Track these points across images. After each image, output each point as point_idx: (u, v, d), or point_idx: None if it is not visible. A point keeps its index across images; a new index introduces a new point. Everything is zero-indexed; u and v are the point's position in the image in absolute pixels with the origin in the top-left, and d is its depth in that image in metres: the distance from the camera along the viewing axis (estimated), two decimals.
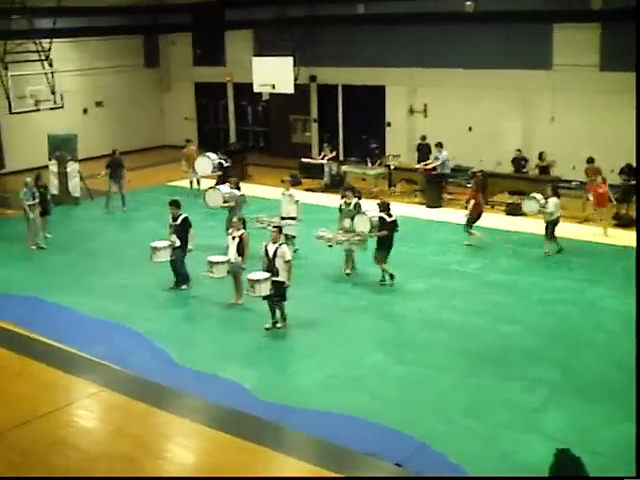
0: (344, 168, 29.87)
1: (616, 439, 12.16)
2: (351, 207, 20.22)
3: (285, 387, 14.33)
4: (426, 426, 12.72)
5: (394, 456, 11.84)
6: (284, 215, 21.24)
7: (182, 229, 18.78)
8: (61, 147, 28.33)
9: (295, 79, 31.51)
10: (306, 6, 32.12)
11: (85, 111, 37.01)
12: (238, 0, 33.54)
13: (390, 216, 19.08)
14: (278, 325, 16.72)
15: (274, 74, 31.54)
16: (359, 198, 20.64)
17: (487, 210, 25.62)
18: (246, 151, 34.39)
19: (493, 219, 24.78)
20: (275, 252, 16.33)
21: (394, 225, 19.16)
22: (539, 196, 21.96)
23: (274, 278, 16.26)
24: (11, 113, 29.99)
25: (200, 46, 39.11)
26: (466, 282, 19.43)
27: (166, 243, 18.81)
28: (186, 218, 18.92)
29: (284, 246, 16.58)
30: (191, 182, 29.19)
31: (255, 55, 33.86)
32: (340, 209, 20.64)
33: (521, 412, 13.14)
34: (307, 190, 29.18)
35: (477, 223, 22.66)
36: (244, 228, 18.07)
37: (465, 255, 21.53)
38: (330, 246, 19.93)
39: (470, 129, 30.65)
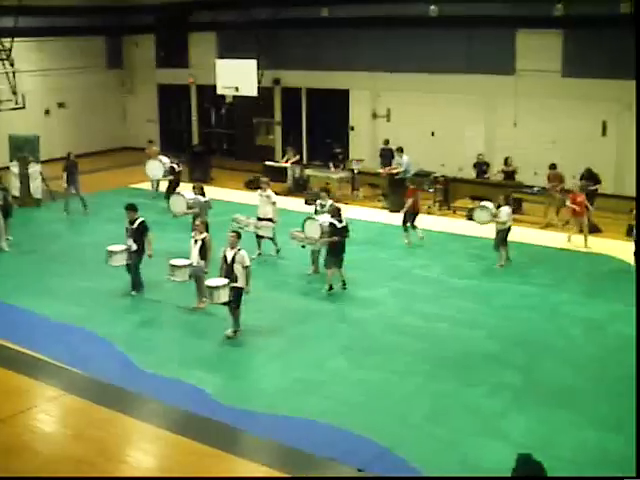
0: (308, 172, 29.88)
1: (578, 445, 12.25)
2: (326, 208, 20.34)
3: (247, 392, 14.30)
4: (388, 431, 12.72)
5: (356, 461, 11.84)
6: (261, 216, 21.49)
7: (139, 233, 18.53)
8: (22, 148, 28.07)
9: (259, 82, 31.53)
10: (270, 9, 32.08)
11: (47, 112, 36.70)
12: (202, 2, 33.39)
13: (341, 222, 18.99)
14: (227, 334, 16.34)
15: (238, 77, 31.59)
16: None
17: (449, 215, 25.85)
18: (209, 153, 34.27)
19: (455, 224, 24.95)
20: (234, 257, 16.10)
21: (345, 231, 19.05)
22: (490, 205, 21.43)
23: (232, 284, 16.03)
24: None
25: (163, 48, 38.89)
26: (429, 287, 19.48)
27: (122, 247, 18.59)
28: (143, 222, 18.69)
29: (242, 251, 16.23)
30: (151, 183, 28.98)
31: (219, 57, 33.81)
32: (315, 210, 20.86)
33: (483, 417, 13.19)
34: None
35: (421, 224, 23.17)
36: (207, 231, 18.00)
37: (428, 259, 21.58)
38: (303, 246, 20.17)
39: (433, 134, 30.79)
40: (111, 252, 18.51)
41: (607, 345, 15.78)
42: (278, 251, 21.54)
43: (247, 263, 16.15)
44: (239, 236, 16.49)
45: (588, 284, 19.24)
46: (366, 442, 12.41)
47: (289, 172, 29.76)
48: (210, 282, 16.19)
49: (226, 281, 16.00)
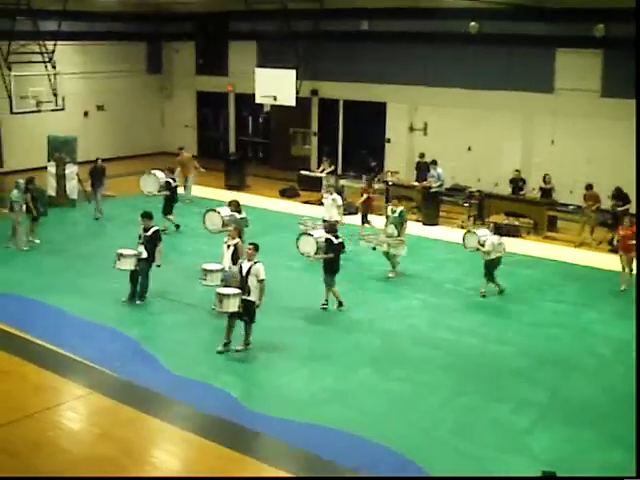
0: (342, 182, 29.89)
1: (601, 465, 12.16)
2: (396, 214, 21.12)
3: (273, 398, 14.30)
4: (412, 443, 12.69)
5: (380, 472, 11.84)
6: (327, 219, 22.34)
7: (152, 241, 18.58)
8: (61, 149, 28.35)
9: (297, 92, 31.59)
10: (310, 20, 32.23)
11: (86, 114, 37.04)
12: (243, 11, 33.59)
13: (337, 237, 18.61)
14: (237, 347, 16.08)
15: (276, 86, 31.64)
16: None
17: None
18: (245, 161, 34.40)
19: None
20: (249, 270, 15.78)
21: (341, 247, 18.73)
22: (481, 232, 20.46)
23: (244, 297, 15.76)
24: (12, 113, 30.12)
25: (203, 55, 39.22)
26: (459, 301, 19.45)
27: (133, 252, 18.55)
28: (157, 231, 18.79)
29: (259, 264, 15.80)
30: (185, 188, 29.02)
31: (258, 66, 33.94)
32: (387, 215, 21.80)
33: (509, 433, 13.13)
34: (305, 202, 29.28)
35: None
36: (240, 237, 18.05)
37: (460, 274, 21.52)
38: (374, 249, 21.13)
39: (469, 149, 30.72)
40: (120, 255, 18.46)
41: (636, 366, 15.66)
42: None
43: (262, 277, 15.75)
44: (257, 248, 16.07)
45: (620, 304, 19.08)
46: (390, 453, 12.39)
47: (324, 182, 29.78)
48: (222, 290, 15.96)
49: (238, 291, 15.75)
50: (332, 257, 18.33)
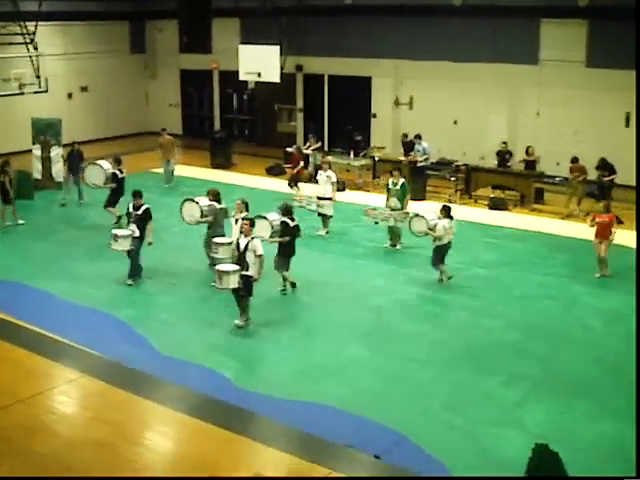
0: (329, 158, 29.77)
1: (595, 436, 12.24)
2: (398, 187, 21.21)
3: (266, 377, 14.34)
4: (405, 419, 12.74)
5: (373, 448, 11.86)
6: (321, 195, 22.49)
7: (142, 220, 18.51)
8: (45, 131, 28.17)
9: (281, 68, 31.55)
10: None
11: (70, 96, 36.82)
12: None
13: (293, 220, 18.20)
14: (237, 323, 16.23)
15: (260, 62, 31.58)
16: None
17: (470, 204, 25.77)
18: (231, 139, 34.27)
19: (475, 213, 24.91)
20: (247, 245, 15.97)
21: (296, 230, 18.30)
22: (429, 216, 19.24)
23: (243, 272, 15.87)
24: None
25: (186, 33, 38.92)
26: None
27: (128, 232, 18.52)
28: (148, 209, 18.68)
29: (256, 240, 16.09)
30: (164, 172, 28.85)
31: (242, 43, 33.79)
32: (388, 188, 21.73)
33: (501, 407, 13.19)
34: None
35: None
36: (247, 211, 18.15)
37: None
38: (376, 223, 21.03)
39: (455, 122, 30.70)
40: (115, 235, 18.44)
41: (626, 336, 15.68)
42: (327, 232, 22.39)
43: (260, 252, 15.94)
44: (253, 224, 16.40)
45: (608, 275, 19.13)
46: (383, 429, 12.44)
47: (310, 159, 29.72)
48: (220, 267, 16.07)
49: (237, 267, 15.88)
50: (288, 240, 17.97)
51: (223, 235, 18.57)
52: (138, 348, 15.44)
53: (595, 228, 19.21)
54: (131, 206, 18.77)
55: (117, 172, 22.75)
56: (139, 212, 18.56)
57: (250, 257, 15.92)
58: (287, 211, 18.29)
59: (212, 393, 13.67)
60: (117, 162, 23.01)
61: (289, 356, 15.13)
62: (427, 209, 20.87)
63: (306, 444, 12.21)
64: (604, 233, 19.00)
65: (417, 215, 19.70)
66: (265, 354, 15.32)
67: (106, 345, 15.48)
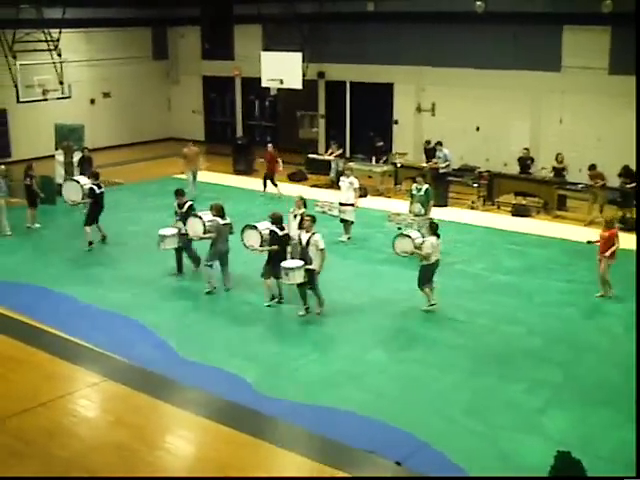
0: (350, 165, 29.77)
1: (617, 443, 12.13)
2: (422, 192, 21.30)
3: (287, 382, 14.31)
4: (427, 425, 12.70)
5: (394, 454, 11.82)
6: (343, 201, 22.54)
7: (188, 216, 18.97)
8: (68, 137, 28.32)
9: (303, 75, 31.60)
10: (316, 2, 32.11)
11: (92, 102, 37.06)
12: None
13: (282, 229, 17.80)
14: (317, 311, 17.17)
15: (282, 69, 31.67)
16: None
17: (493, 210, 25.71)
18: (253, 146, 34.31)
19: (498, 219, 24.85)
20: (308, 240, 16.88)
21: (286, 239, 17.99)
22: (415, 234, 18.27)
23: (307, 266, 16.75)
24: (19, 102, 30.16)
25: (209, 40, 39.11)
26: (470, 282, 19.41)
27: (174, 230, 19.07)
28: (191, 205, 19.38)
29: (317, 235, 16.95)
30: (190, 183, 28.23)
31: (264, 50, 33.88)
32: (411, 194, 21.89)
33: (522, 413, 13.11)
34: (313, 186, 29.30)
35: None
36: (305, 207, 18.75)
37: (470, 255, 21.49)
38: (399, 228, 20.60)
39: (478, 129, 30.65)
40: (163, 236, 19.04)
41: None
42: (349, 238, 22.43)
43: (322, 246, 16.87)
44: (314, 220, 17.30)
45: (630, 282, 19.00)
46: (404, 435, 12.40)
47: (332, 165, 29.74)
48: (286, 263, 16.81)
49: (301, 263, 16.73)
50: (277, 249, 17.60)
51: (226, 252, 18.51)
52: (159, 352, 15.48)
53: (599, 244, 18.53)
54: (175, 205, 19.50)
55: (94, 187, 21.74)
56: (183, 209, 19.27)
57: (312, 251, 16.85)
58: (276, 220, 17.80)
59: (233, 397, 13.67)
60: (95, 177, 22.17)
61: (310, 361, 15.11)
62: (449, 216, 20.73)
63: (327, 449, 12.19)
64: (604, 249, 18.24)
65: (401, 234, 18.53)
66: (286, 359, 15.30)
67: (128, 349, 15.53)
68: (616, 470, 11.27)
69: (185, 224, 18.88)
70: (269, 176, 27.78)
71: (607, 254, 18.06)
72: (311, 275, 16.86)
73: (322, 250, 16.85)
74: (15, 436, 12.47)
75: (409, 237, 18.07)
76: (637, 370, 11.89)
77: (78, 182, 22.01)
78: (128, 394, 13.92)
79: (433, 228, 17.65)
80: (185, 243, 19.21)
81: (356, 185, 22.56)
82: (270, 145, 29.23)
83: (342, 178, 23.20)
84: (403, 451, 11.95)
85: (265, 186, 27.70)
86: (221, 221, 18.53)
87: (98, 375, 14.59)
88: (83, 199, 21.80)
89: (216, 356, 15.21)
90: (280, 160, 28.21)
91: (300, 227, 17.84)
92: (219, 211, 18.63)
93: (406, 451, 11.97)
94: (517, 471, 11.37)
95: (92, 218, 21.93)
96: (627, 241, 20.96)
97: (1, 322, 16.96)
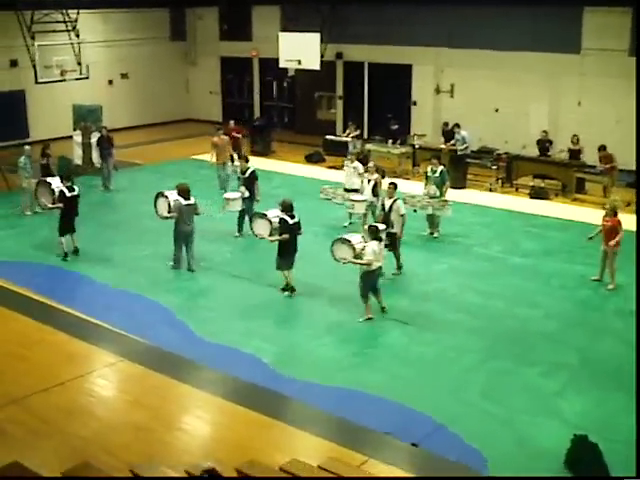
0: (368, 146, 29.73)
1: (633, 427, 12.05)
2: (437, 174, 21.21)
3: (304, 362, 14.37)
4: (443, 407, 12.71)
5: (411, 436, 11.85)
6: (347, 187, 22.18)
7: (250, 181, 20.61)
8: (86, 118, 28.37)
9: (321, 55, 31.47)
10: None
11: (110, 82, 37.04)
12: None
13: (292, 217, 17.12)
14: (393, 273, 18.27)
15: (300, 50, 31.53)
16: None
17: (511, 193, 25.62)
18: (271, 127, 34.27)
19: (516, 202, 24.76)
20: (391, 206, 18.02)
21: (297, 227, 17.30)
22: (355, 239, 16.56)
23: (389, 230, 17.61)
24: (37, 83, 30.14)
25: (227, 21, 39.04)
26: (488, 264, 19.37)
27: (238, 194, 20.40)
28: (254, 171, 20.88)
29: (399, 201, 18.16)
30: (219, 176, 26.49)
31: (282, 30, 33.78)
32: (426, 176, 21.71)
33: (539, 396, 13.11)
34: (330, 167, 29.18)
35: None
36: (378, 173, 21.05)
37: (488, 237, 21.43)
38: (415, 211, 20.78)
39: (497, 110, 30.49)
40: (228, 199, 20.32)
41: None
42: (351, 223, 21.89)
43: (402, 212, 18.12)
44: (396, 187, 18.57)
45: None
46: (421, 417, 12.42)
47: (350, 146, 29.66)
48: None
49: (384, 226, 17.29)
50: (287, 238, 17.10)
51: (190, 232, 18.60)
52: (177, 333, 15.55)
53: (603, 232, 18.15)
54: (239, 171, 21.27)
55: (65, 190, 19.53)
56: (246, 175, 20.73)
57: (394, 216, 17.99)
58: (286, 208, 17.21)
59: (250, 378, 13.72)
60: (67, 179, 19.94)
61: (327, 342, 15.14)
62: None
63: (343, 430, 12.22)
64: (608, 238, 17.83)
65: (340, 239, 16.74)
66: (303, 340, 15.34)
67: (145, 329, 15.59)
68: (632, 454, 11.23)
69: (248, 189, 20.35)
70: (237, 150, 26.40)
71: (612, 243, 17.73)
72: (393, 239, 17.80)
73: (403, 215, 18.05)
74: (34, 415, 12.53)
75: (349, 242, 16.41)
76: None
77: (49, 184, 20.13)
78: (145, 374, 13.98)
79: (373, 232, 16.11)
80: (247, 207, 20.33)
81: (360, 170, 21.99)
82: (232, 122, 28.83)
83: (346, 162, 22.82)
84: (419, 433, 11.97)
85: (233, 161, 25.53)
86: (184, 202, 18.39)
87: (116, 355, 14.65)
88: (54, 203, 19.68)
89: (233, 337, 15.24)
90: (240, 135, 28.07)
91: (374, 192, 20.20)
92: (184, 192, 18.50)
93: (422, 433, 11.99)
94: (533, 453, 11.39)
95: (66, 225, 19.68)
96: None
97: (20, 302, 17.03)
